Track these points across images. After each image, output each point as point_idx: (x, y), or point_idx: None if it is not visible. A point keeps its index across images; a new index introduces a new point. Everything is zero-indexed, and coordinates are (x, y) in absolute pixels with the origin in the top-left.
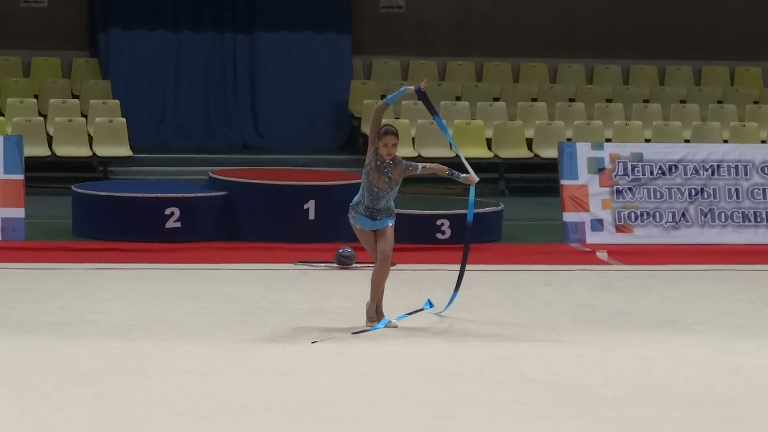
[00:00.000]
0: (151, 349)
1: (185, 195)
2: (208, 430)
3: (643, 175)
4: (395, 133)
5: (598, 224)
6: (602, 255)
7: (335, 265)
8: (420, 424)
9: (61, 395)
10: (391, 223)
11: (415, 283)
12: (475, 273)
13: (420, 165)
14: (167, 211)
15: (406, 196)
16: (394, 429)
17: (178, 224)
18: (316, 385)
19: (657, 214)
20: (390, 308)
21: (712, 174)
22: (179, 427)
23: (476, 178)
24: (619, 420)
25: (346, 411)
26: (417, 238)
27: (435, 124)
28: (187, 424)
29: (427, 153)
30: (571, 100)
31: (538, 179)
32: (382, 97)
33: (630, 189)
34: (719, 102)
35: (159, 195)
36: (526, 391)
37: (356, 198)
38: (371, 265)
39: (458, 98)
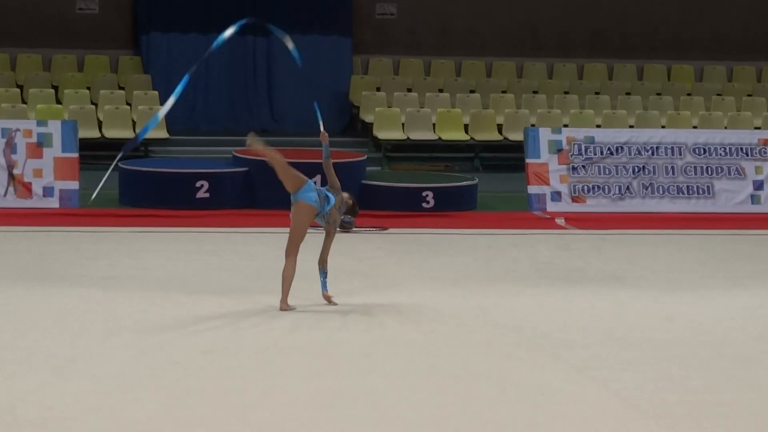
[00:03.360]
0: (185, 298)
1: (213, 170)
2: (235, 366)
3: (595, 155)
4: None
5: (557, 196)
6: (560, 221)
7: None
8: (409, 362)
9: (109, 340)
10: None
11: (403, 246)
12: (453, 236)
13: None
14: (198, 184)
15: (395, 171)
16: (387, 366)
17: (207, 195)
18: (322, 330)
19: (606, 187)
20: (384, 264)
21: (652, 154)
22: (210, 365)
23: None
24: (575, 359)
25: (347, 350)
26: (406, 207)
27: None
28: (215, 362)
29: (415, 136)
30: (535, 92)
31: (507, 158)
32: (377, 89)
33: (584, 166)
34: (658, 94)
35: (191, 170)
36: (496, 335)
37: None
38: (369, 228)
39: (440, 90)
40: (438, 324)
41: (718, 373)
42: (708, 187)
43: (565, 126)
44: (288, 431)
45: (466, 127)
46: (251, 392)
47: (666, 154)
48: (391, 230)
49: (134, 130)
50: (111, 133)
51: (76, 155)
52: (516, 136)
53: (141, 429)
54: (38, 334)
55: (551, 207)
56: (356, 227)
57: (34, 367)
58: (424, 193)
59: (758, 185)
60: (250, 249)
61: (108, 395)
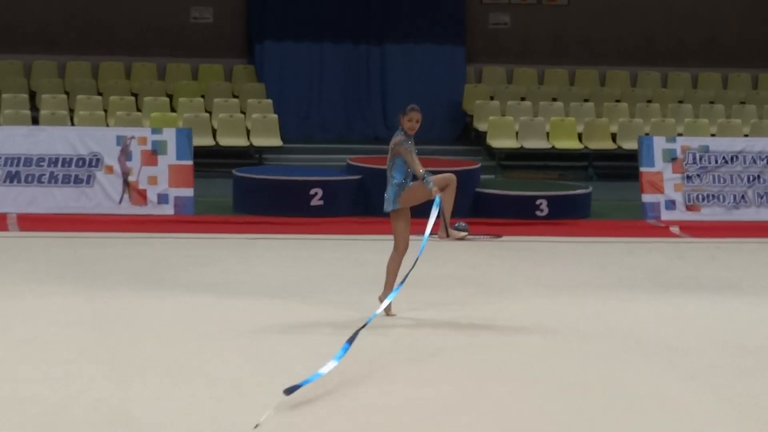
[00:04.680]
0: (298, 305)
1: (327, 178)
2: (349, 374)
3: (709, 163)
4: (415, 110)
5: (671, 204)
6: (675, 230)
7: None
8: (525, 370)
9: (222, 344)
10: (389, 207)
11: (517, 254)
12: (567, 244)
13: (406, 145)
14: (312, 191)
15: (509, 180)
16: (502, 373)
17: (321, 202)
18: (436, 336)
19: (721, 196)
20: (497, 272)
21: (767, 163)
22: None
23: (437, 191)
24: (690, 366)
25: (462, 357)
26: (519, 215)
27: (533, 121)
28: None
29: (528, 144)
30: (649, 101)
31: (621, 167)
32: (491, 98)
33: (698, 175)
34: None
35: (305, 178)
36: (611, 342)
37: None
38: (482, 236)
39: (554, 99)
40: (553, 332)
41: None
42: None
43: (680, 135)
44: None
45: (579, 136)
46: (363, 397)
47: None
48: (504, 238)
49: (248, 138)
50: (225, 141)
51: (190, 163)
52: (630, 145)
53: None
54: (153, 340)
55: (666, 215)
56: (470, 235)
57: (149, 370)
58: (537, 201)
59: None
60: (364, 256)
61: (221, 401)
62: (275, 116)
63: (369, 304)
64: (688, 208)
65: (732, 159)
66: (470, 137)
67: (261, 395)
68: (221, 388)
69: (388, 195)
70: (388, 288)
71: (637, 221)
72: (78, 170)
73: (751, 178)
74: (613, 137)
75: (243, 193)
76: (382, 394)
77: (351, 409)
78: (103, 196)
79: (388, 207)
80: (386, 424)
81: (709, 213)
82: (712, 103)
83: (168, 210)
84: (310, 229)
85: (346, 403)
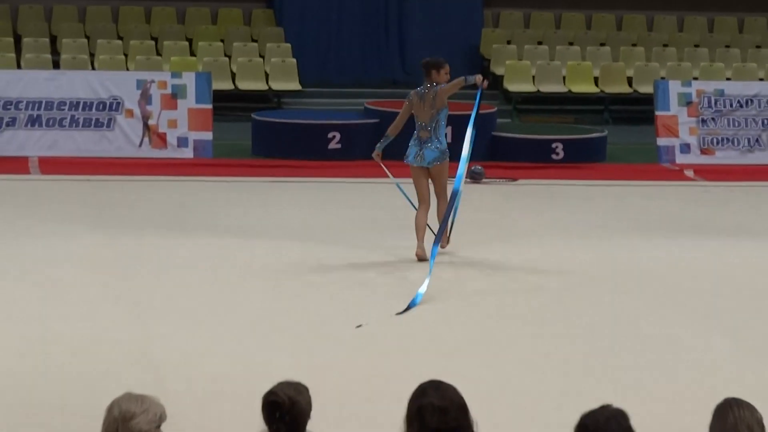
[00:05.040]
0: (316, 247)
1: (345, 122)
2: (366, 315)
3: (724, 107)
4: (435, 65)
5: (686, 148)
6: (689, 173)
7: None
8: (540, 310)
9: (241, 286)
10: (441, 158)
11: (533, 197)
12: (583, 187)
13: (443, 84)
14: (330, 135)
15: (525, 123)
16: (518, 312)
17: (339, 146)
18: (456, 279)
19: (735, 139)
20: (514, 215)
21: None
22: (341, 313)
23: (483, 79)
24: (704, 307)
25: (480, 298)
26: (535, 158)
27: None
28: (347, 311)
29: (544, 88)
30: (665, 45)
31: (636, 111)
32: (508, 42)
33: (713, 119)
34: None
35: (323, 122)
36: (626, 284)
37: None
38: (499, 179)
39: (571, 43)
40: (568, 274)
41: None
42: None
43: (695, 79)
44: (421, 377)
45: (596, 80)
46: (379, 340)
47: None
48: (520, 181)
49: (267, 83)
50: (244, 84)
51: (209, 106)
52: (646, 88)
53: (273, 374)
54: (173, 281)
55: (680, 159)
56: (486, 178)
57: (169, 311)
58: (553, 145)
59: None
60: (381, 198)
61: (239, 340)
62: (294, 60)
63: (386, 248)
64: (703, 151)
65: (747, 103)
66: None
67: (279, 336)
68: (240, 328)
69: (424, 152)
70: (421, 239)
71: (652, 164)
72: (99, 114)
73: (766, 122)
74: (629, 81)
75: (261, 137)
76: (402, 336)
77: (370, 351)
78: (123, 139)
79: (418, 162)
80: (405, 362)
81: (723, 156)
82: (727, 47)
83: (187, 153)
84: (328, 172)
85: (365, 346)
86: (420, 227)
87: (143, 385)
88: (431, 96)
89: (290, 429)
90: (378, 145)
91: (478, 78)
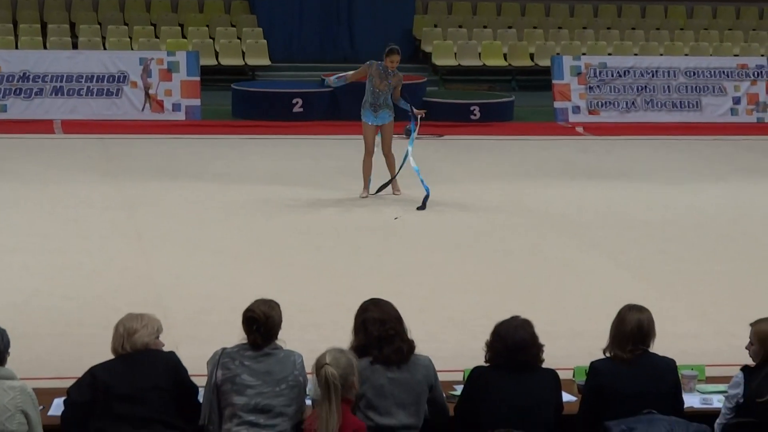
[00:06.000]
0: (285, 189)
1: (306, 90)
2: (324, 245)
3: (607, 77)
4: (397, 53)
5: (577, 109)
6: (580, 129)
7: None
8: (462, 240)
9: (225, 222)
10: (390, 119)
11: (456, 150)
12: (495, 141)
13: (399, 86)
14: (294, 101)
15: (449, 90)
16: (442, 243)
17: (301, 110)
18: (391, 215)
19: (616, 102)
20: (441, 165)
21: (652, 76)
22: (306, 243)
23: (421, 113)
24: (591, 236)
25: (413, 231)
26: (457, 118)
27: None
28: (310, 241)
29: (464, 63)
30: (559, 27)
31: (538, 80)
32: (435, 26)
33: (598, 86)
34: (657, 29)
35: (289, 90)
36: (529, 218)
37: (362, 101)
38: (428, 136)
39: (485, 27)
40: (484, 210)
41: (705, 248)
42: (697, 102)
43: (584, 54)
44: (364, 295)
45: (504, 56)
46: (336, 265)
47: (663, 77)
48: (446, 137)
49: (243, 59)
50: (225, 61)
51: (198, 78)
52: (545, 62)
53: (251, 292)
54: (170, 219)
55: (572, 118)
56: (417, 135)
57: (167, 244)
58: (471, 108)
59: (736, 100)
60: (336, 152)
61: (224, 265)
62: (265, 41)
63: (340, 189)
64: (590, 112)
65: (624, 73)
66: (419, 57)
67: (257, 263)
68: (224, 255)
69: (379, 113)
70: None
71: (550, 123)
72: (109, 85)
73: (639, 88)
74: (531, 57)
75: (240, 103)
76: (350, 263)
77: (325, 275)
78: (129, 105)
79: (374, 121)
80: (352, 284)
81: (606, 116)
82: (609, 29)
83: (180, 116)
84: (293, 131)
85: (323, 270)
86: (367, 170)
87: (145, 302)
88: (395, 79)
89: (264, 338)
90: (333, 77)
91: (419, 112)
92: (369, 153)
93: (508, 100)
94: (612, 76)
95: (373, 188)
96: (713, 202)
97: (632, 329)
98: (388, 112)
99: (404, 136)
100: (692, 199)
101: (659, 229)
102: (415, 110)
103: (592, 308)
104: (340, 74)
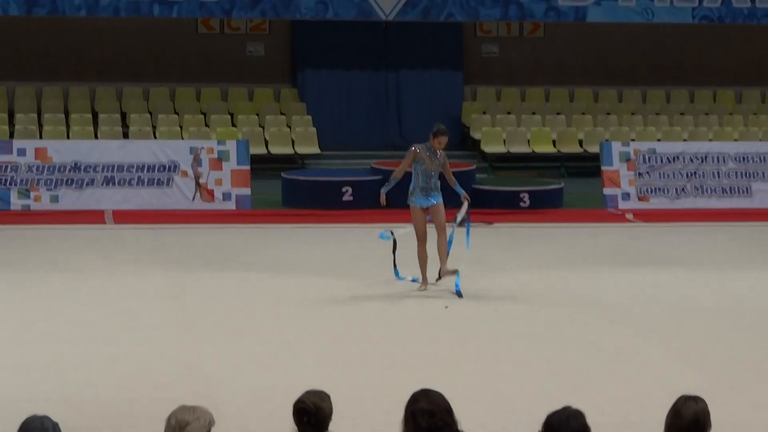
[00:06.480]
0: (337, 280)
1: (355, 178)
2: (376, 333)
3: (656, 163)
4: (446, 134)
5: (626, 196)
6: (629, 216)
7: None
8: (513, 329)
9: (278, 309)
10: (441, 200)
11: (505, 237)
12: (545, 229)
13: (446, 163)
14: (343, 189)
15: (498, 177)
16: (495, 331)
17: (351, 198)
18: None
19: (665, 188)
20: (491, 252)
21: (702, 162)
22: (362, 332)
23: (467, 195)
24: (642, 324)
25: (466, 319)
26: (507, 205)
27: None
28: (367, 330)
29: (513, 149)
30: (608, 113)
31: (587, 166)
32: (484, 113)
33: (647, 172)
34: (706, 114)
35: (338, 178)
36: (580, 306)
37: (410, 188)
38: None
39: (533, 113)
40: (534, 298)
41: (758, 336)
42: (747, 187)
43: (633, 140)
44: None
45: (554, 142)
46: (386, 355)
47: (713, 162)
48: (495, 224)
49: (293, 147)
50: (275, 149)
51: (248, 167)
52: (594, 148)
53: (302, 383)
54: (220, 309)
55: (622, 205)
56: (470, 222)
57: (218, 334)
58: (521, 195)
59: None
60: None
61: (274, 356)
62: (314, 129)
63: (390, 277)
64: (640, 198)
65: (674, 159)
66: (467, 144)
67: (305, 352)
68: (274, 346)
69: (432, 194)
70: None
71: (600, 210)
72: (159, 174)
73: (689, 174)
74: (580, 143)
75: (289, 191)
76: (400, 353)
77: (378, 364)
78: (179, 195)
79: (426, 202)
80: (402, 376)
81: (656, 203)
82: (657, 114)
83: (231, 205)
84: (342, 219)
85: (374, 360)
86: (423, 261)
87: (195, 394)
88: (441, 158)
89: (315, 430)
90: (383, 188)
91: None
92: (422, 240)
93: (557, 187)
94: (661, 162)
95: (430, 276)
96: (765, 289)
97: (688, 422)
98: (438, 194)
99: (455, 224)
100: (744, 286)
101: (712, 316)
102: (465, 197)
103: (646, 398)
104: (389, 181)
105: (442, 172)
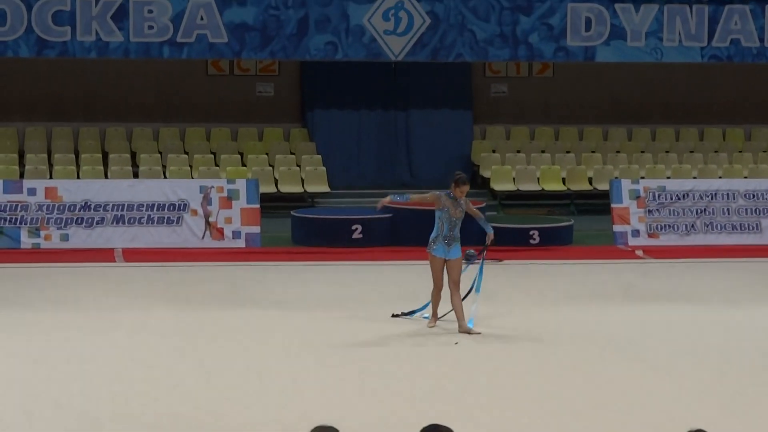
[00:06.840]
0: (345, 317)
1: (365, 216)
2: (395, 369)
3: (666, 200)
4: (468, 183)
5: (636, 233)
6: (639, 253)
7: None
8: (524, 363)
9: (286, 350)
10: (459, 255)
11: (515, 274)
12: (555, 266)
13: (469, 204)
14: (353, 227)
15: (508, 215)
16: (508, 367)
17: (361, 236)
18: (460, 340)
19: (675, 225)
20: (502, 289)
21: (711, 199)
22: (380, 367)
23: (492, 235)
24: (652, 360)
25: (476, 357)
26: (517, 243)
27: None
28: (369, 366)
29: (523, 187)
30: (617, 151)
31: (596, 204)
32: (493, 151)
33: (657, 209)
34: (716, 151)
35: (348, 217)
36: (590, 342)
37: (432, 236)
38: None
39: (543, 151)
40: (545, 335)
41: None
42: (756, 224)
43: (642, 178)
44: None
45: (563, 180)
46: (395, 390)
47: (723, 199)
48: (505, 262)
49: (303, 186)
50: (285, 188)
51: (257, 206)
52: (603, 186)
53: (312, 418)
54: (230, 346)
55: (632, 241)
56: (477, 259)
57: (228, 372)
58: (531, 232)
59: None
60: (395, 277)
61: (285, 392)
62: (324, 168)
63: (401, 318)
64: (650, 235)
65: (683, 196)
66: (477, 182)
67: (315, 385)
68: (284, 381)
69: (450, 249)
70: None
71: (610, 246)
72: (170, 213)
73: (699, 211)
74: (590, 180)
75: (299, 229)
76: (413, 386)
77: (401, 399)
78: (189, 233)
79: (446, 255)
80: (423, 411)
81: (666, 239)
82: (667, 152)
83: (240, 243)
84: (352, 257)
85: (385, 392)
86: (436, 301)
87: (203, 425)
88: (463, 205)
89: None
90: (393, 195)
91: (490, 235)
92: (438, 288)
93: (567, 225)
94: (671, 199)
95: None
96: None
97: None
98: (458, 247)
99: (467, 261)
100: (753, 322)
101: (721, 351)
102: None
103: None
104: (403, 195)
105: (468, 213)
